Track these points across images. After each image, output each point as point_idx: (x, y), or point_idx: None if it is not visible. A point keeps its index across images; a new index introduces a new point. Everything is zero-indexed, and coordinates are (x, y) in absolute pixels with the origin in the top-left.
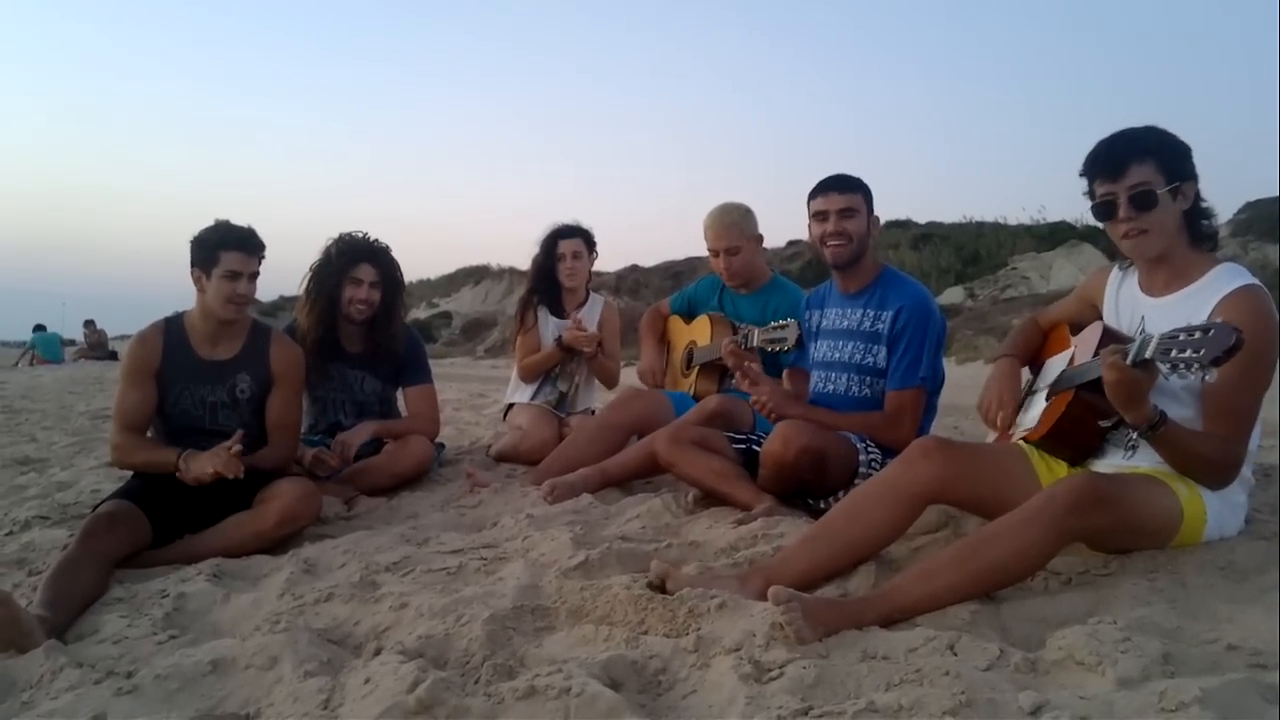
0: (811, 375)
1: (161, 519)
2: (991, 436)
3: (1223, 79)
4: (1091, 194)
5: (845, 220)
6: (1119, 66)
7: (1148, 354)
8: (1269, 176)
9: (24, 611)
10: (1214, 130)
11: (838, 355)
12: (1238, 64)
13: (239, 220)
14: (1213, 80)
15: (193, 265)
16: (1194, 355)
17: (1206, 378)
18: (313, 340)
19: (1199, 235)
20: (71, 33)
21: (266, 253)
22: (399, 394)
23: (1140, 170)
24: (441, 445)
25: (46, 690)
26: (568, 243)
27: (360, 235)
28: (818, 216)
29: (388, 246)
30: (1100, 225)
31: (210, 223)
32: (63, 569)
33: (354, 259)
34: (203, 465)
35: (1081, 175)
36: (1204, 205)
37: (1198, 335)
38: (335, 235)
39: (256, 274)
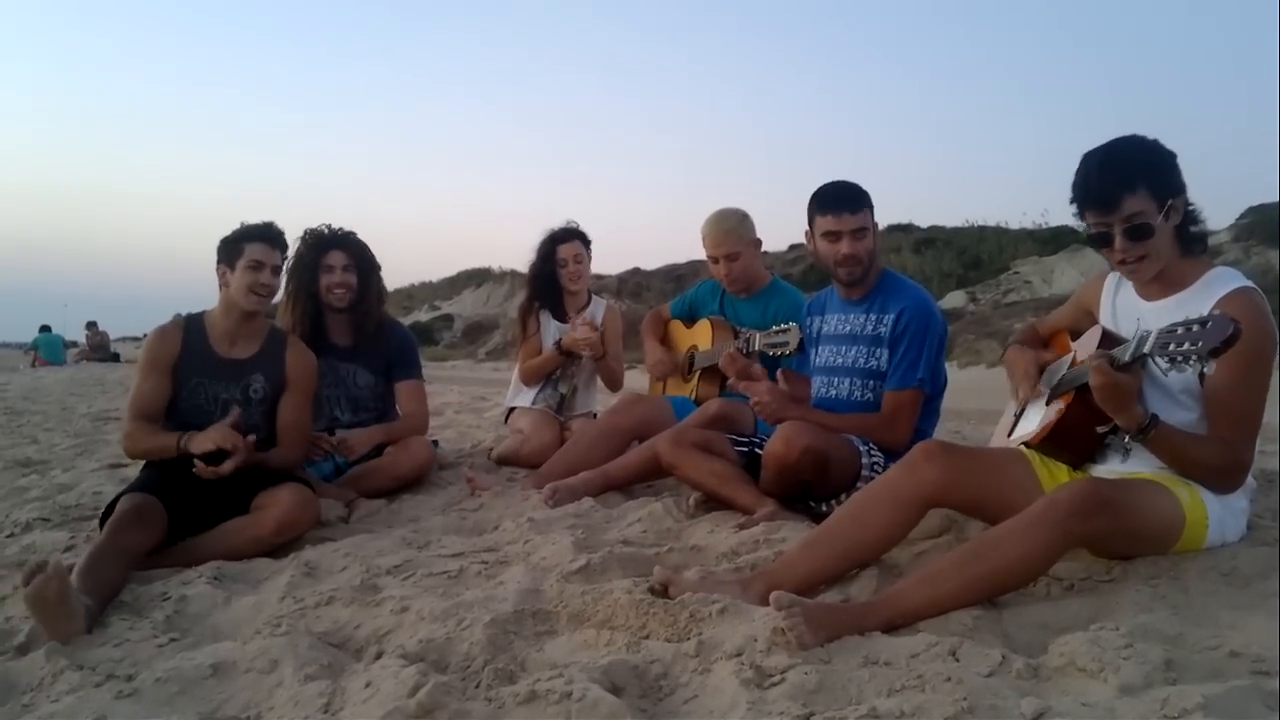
0: (814, 380)
1: (174, 515)
2: (996, 440)
3: (1223, 81)
4: (1082, 217)
5: (858, 242)
6: (1120, 68)
7: (1146, 349)
8: (1271, 181)
9: (77, 596)
10: (1216, 134)
11: (840, 360)
12: (1238, 66)
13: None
14: (1213, 82)
15: (219, 263)
16: (1192, 348)
17: (1206, 370)
18: (300, 337)
19: (1190, 241)
20: (73, 33)
21: (289, 252)
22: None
23: (1133, 201)
24: (434, 441)
25: (47, 693)
26: (567, 247)
27: (323, 227)
28: (829, 236)
29: (352, 232)
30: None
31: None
32: (96, 559)
33: (322, 248)
34: (204, 439)
35: (1071, 202)
36: (1192, 210)
37: (1195, 328)
38: (300, 234)
39: (279, 269)
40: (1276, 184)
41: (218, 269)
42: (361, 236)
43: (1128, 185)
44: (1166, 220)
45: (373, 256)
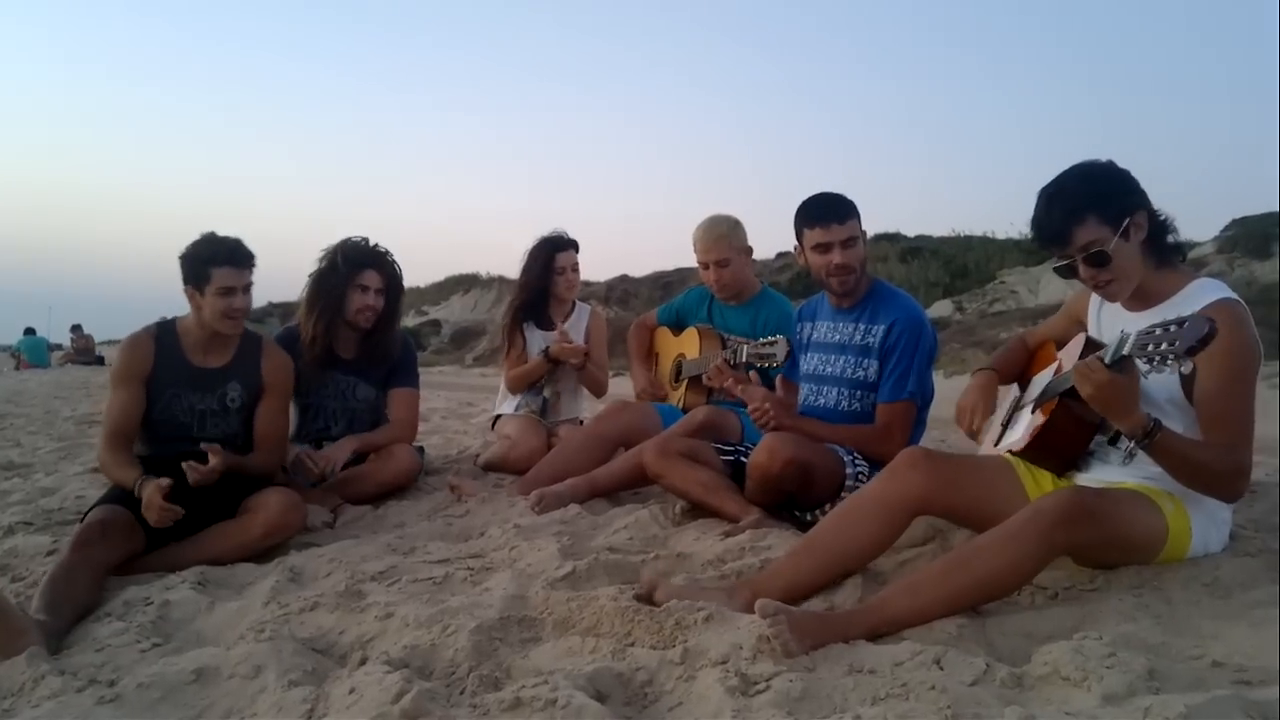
0: (801, 388)
1: (149, 524)
2: (984, 449)
3: (1210, 93)
4: (1048, 250)
5: (849, 251)
6: (1109, 78)
7: (1126, 350)
8: (1255, 192)
9: (16, 610)
10: (1204, 145)
11: (829, 369)
12: (1226, 78)
13: (230, 227)
14: (1201, 94)
15: (185, 282)
16: (1169, 348)
17: (1184, 370)
18: (317, 349)
19: (1165, 252)
20: (59, 34)
21: (257, 261)
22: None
23: (1084, 232)
24: (421, 449)
25: (28, 699)
26: (565, 255)
27: (363, 241)
28: (819, 248)
29: (389, 251)
30: None
31: (197, 237)
32: (58, 576)
33: (360, 265)
34: (146, 503)
35: (1031, 240)
36: (1162, 220)
37: (1173, 328)
38: (338, 242)
39: (250, 285)
40: (1261, 195)
41: (185, 289)
42: (395, 256)
43: (1075, 218)
44: (1127, 240)
45: (402, 281)
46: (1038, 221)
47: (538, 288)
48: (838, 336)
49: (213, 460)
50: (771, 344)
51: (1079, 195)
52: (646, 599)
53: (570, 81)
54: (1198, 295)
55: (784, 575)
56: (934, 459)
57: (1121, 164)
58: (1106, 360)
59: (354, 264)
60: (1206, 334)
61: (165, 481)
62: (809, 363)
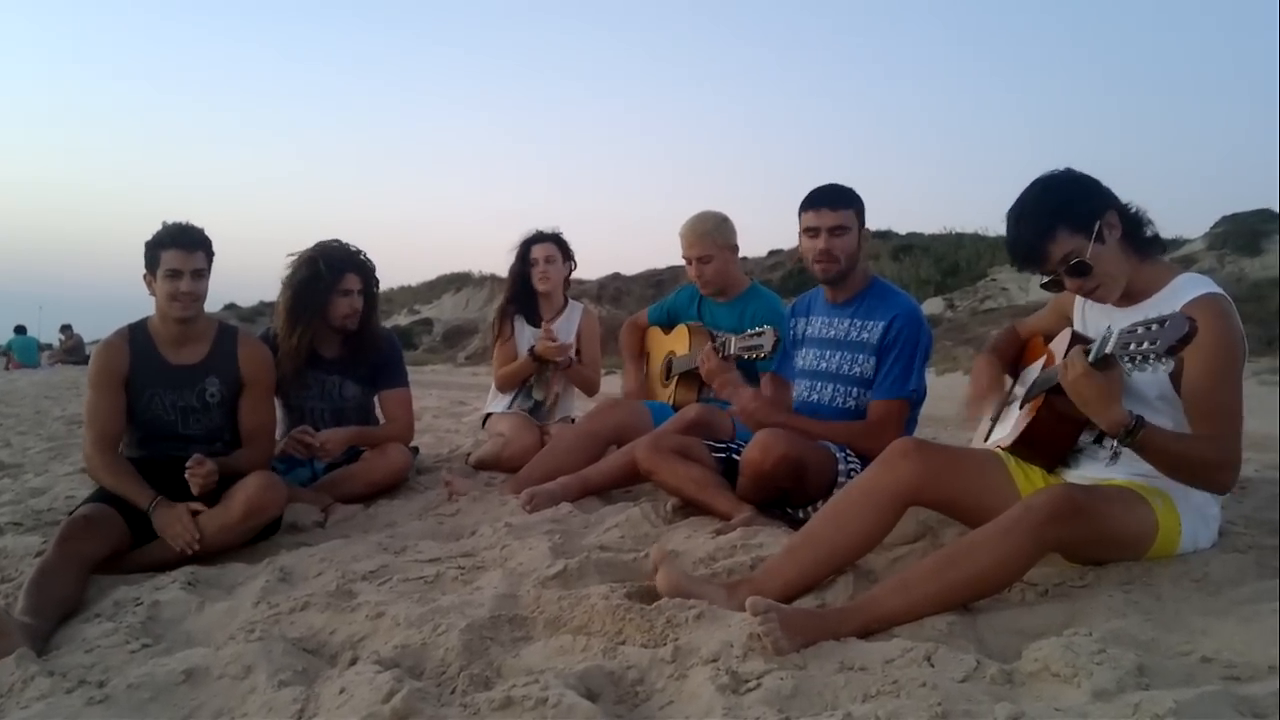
0: (796, 384)
1: (136, 520)
2: (974, 443)
3: (1202, 90)
4: (1028, 270)
5: (835, 239)
6: (1101, 73)
7: (1109, 349)
8: (1245, 189)
9: (1, 612)
10: (1193, 143)
11: (823, 365)
12: (1217, 76)
13: (223, 226)
14: (1191, 91)
15: (145, 269)
16: (1150, 347)
17: (1164, 369)
18: (302, 357)
19: (1145, 245)
20: (50, 31)
21: (214, 249)
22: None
23: (1057, 246)
24: (415, 449)
25: (17, 699)
26: (540, 247)
27: (339, 244)
28: (808, 232)
29: (361, 250)
30: None
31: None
32: (43, 575)
33: (341, 269)
34: (168, 531)
35: (1011, 263)
36: (1134, 213)
37: (1154, 327)
38: (312, 248)
39: (201, 271)
40: (1249, 192)
41: (144, 276)
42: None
43: (1047, 235)
44: (1103, 242)
45: (377, 279)
46: (1011, 245)
47: (519, 281)
48: (833, 332)
49: (200, 470)
50: (759, 334)
51: (1043, 210)
52: (650, 576)
53: (563, 78)
54: (1182, 291)
55: (783, 572)
56: (926, 449)
57: (1114, 160)
58: (1090, 359)
59: (337, 270)
60: (1187, 333)
61: (195, 506)
62: (804, 359)
